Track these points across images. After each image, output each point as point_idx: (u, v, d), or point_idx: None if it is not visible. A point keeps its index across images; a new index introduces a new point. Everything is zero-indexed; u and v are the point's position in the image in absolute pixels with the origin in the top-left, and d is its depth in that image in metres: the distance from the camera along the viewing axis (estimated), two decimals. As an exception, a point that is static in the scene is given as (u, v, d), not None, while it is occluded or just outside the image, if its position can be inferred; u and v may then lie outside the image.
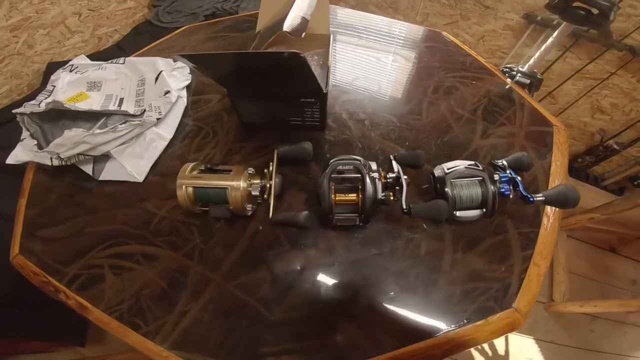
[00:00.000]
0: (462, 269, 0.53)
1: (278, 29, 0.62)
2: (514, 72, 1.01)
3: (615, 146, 1.54)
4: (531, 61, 1.02)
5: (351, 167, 0.52)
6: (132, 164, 0.65)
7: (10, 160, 0.64)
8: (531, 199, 0.51)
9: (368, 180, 0.50)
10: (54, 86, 0.74)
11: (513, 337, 1.42)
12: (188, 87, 0.81)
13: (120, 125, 0.64)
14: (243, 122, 0.71)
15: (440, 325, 0.48)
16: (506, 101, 0.78)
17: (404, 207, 0.51)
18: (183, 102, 0.76)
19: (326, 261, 0.53)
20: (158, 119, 0.69)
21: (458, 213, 0.53)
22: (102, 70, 0.81)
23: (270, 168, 0.58)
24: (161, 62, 0.80)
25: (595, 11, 0.76)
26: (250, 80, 0.58)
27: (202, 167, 0.56)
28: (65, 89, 0.75)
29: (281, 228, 0.56)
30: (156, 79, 0.77)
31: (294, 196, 0.61)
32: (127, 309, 0.50)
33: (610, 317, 1.48)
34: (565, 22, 0.85)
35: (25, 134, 0.65)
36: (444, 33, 1.01)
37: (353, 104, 0.76)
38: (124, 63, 0.83)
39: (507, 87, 0.82)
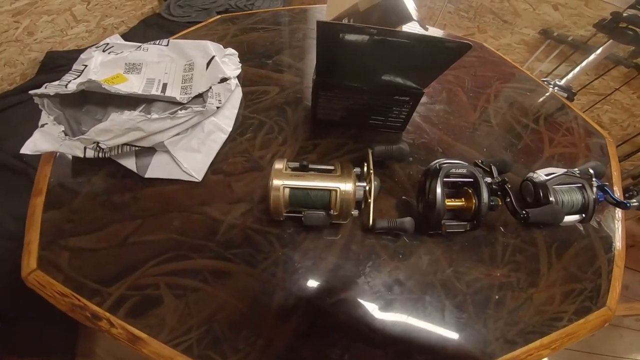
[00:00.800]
0: (559, 272, 0.55)
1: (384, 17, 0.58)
2: (551, 86, 1.06)
3: (611, 159, 1.67)
4: (570, 76, 1.08)
5: (464, 171, 0.53)
6: (189, 159, 0.56)
7: (27, 150, 0.51)
8: (627, 205, 0.54)
9: (484, 184, 0.51)
10: (85, 65, 0.63)
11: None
12: (238, 77, 0.71)
13: (180, 112, 0.54)
14: (316, 118, 0.66)
15: (547, 327, 0.49)
16: (561, 113, 0.82)
17: (521, 212, 0.52)
18: (239, 91, 0.70)
19: (429, 271, 0.51)
20: (218, 107, 0.61)
21: (558, 218, 0.55)
22: (143, 51, 0.71)
23: (365, 169, 0.54)
24: (212, 46, 0.71)
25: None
26: (363, 68, 0.53)
27: (297, 165, 0.50)
28: (98, 69, 0.65)
29: (375, 237, 0.53)
30: (207, 64, 0.68)
31: (384, 201, 0.58)
32: (197, 339, 0.40)
33: None
34: (611, 41, 0.91)
35: (46, 119, 0.53)
36: (485, 44, 1.04)
37: (424, 107, 0.76)
38: (167, 45, 0.73)
39: (556, 99, 0.87)
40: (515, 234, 0.58)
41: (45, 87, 0.53)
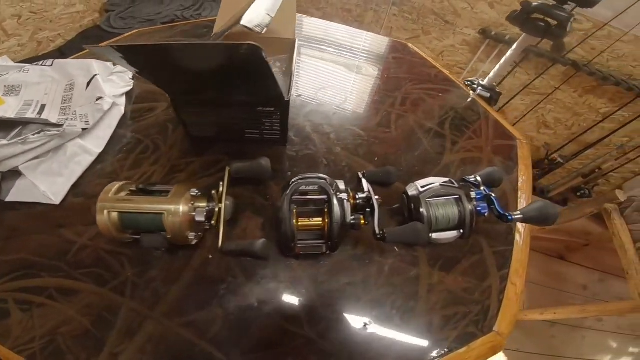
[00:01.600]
0: (440, 293, 0.48)
1: (234, 25, 0.55)
2: (475, 86, 1.02)
3: (559, 159, 1.64)
4: (491, 74, 1.04)
5: (316, 187, 0.46)
6: (48, 182, 0.55)
7: None
8: (509, 217, 0.48)
9: (335, 202, 0.44)
10: None
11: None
12: (129, 94, 0.71)
13: (32, 136, 0.54)
14: (192, 136, 0.63)
15: (422, 356, 0.43)
16: (472, 114, 0.77)
17: (377, 232, 0.45)
18: (120, 110, 0.67)
19: (290, 294, 0.46)
20: (84, 129, 0.60)
21: (434, 235, 0.48)
22: (24, 72, 0.71)
23: (220, 189, 0.49)
24: (97, 65, 0.70)
25: (553, 23, 0.78)
26: (198, 83, 0.50)
27: (133, 188, 0.47)
28: None
29: (235, 258, 0.49)
30: (88, 83, 0.67)
31: (250, 220, 0.53)
32: (40, 348, 0.41)
33: (567, 322, 1.54)
34: (524, 34, 0.86)
35: None
36: (410, 45, 1.00)
37: (318, 115, 0.70)
38: (51, 65, 0.72)
39: (471, 100, 0.82)
40: (394, 253, 0.51)
41: None
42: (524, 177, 0.67)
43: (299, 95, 0.75)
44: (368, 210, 0.48)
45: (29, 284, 0.46)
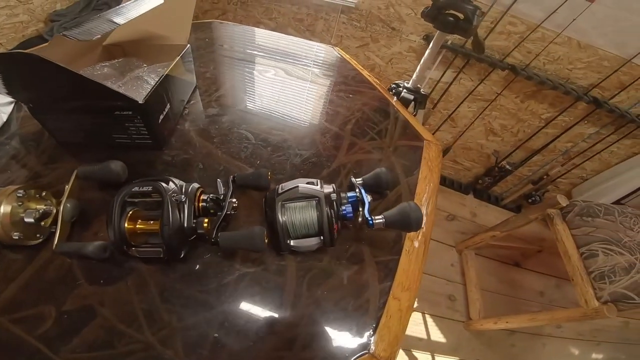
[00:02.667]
0: (307, 307, 0.43)
1: None
2: (400, 89, 1.00)
3: (508, 167, 1.64)
4: (414, 76, 1.01)
5: (150, 188, 0.41)
6: None
7: None
8: (370, 222, 0.44)
9: (169, 203, 0.39)
10: None
11: (439, 358, 1.38)
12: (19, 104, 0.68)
13: None
14: (61, 142, 0.59)
15: None
16: (380, 115, 0.74)
17: (213, 236, 0.40)
18: (1, 118, 0.63)
19: (132, 299, 0.42)
20: None
21: (293, 242, 0.44)
22: None
23: (65, 191, 0.46)
24: None
25: (462, 17, 0.76)
26: (39, 92, 0.48)
27: None
28: None
29: (80, 260, 0.45)
30: None
31: (104, 224, 0.47)
32: None
33: (526, 330, 1.51)
34: (438, 31, 0.84)
35: None
36: (336, 48, 0.97)
37: (209, 120, 0.66)
38: None
39: (386, 101, 0.79)
40: (258, 261, 0.46)
41: None
42: (425, 180, 0.63)
43: (196, 102, 0.71)
44: (220, 214, 0.43)
45: None
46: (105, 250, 0.43)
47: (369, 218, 0.44)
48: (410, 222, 0.42)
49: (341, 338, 0.41)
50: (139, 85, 0.61)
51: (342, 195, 0.46)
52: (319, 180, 0.47)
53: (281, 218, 0.43)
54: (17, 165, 0.56)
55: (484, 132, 1.68)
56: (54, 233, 0.46)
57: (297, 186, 0.45)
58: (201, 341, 0.40)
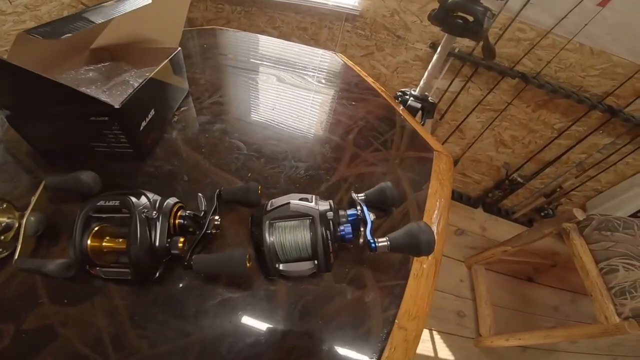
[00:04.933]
0: (299, 339, 0.37)
1: None
2: (407, 97, 0.94)
3: (519, 179, 1.56)
4: (421, 83, 0.96)
5: (117, 203, 0.36)
6: None
7: None
8: (373, 245, 0.38)
9: (138, 220, 0.34)
10: None
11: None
12: None
13: None
14: (35, 150, 0.54)
15: None
16: (386, 124, 0.69)
17: (186, 258, 0.35)
18: None
19: (98, 321, 0.37)
20: None
21: (282, 266, 0.38)
22: None
23: (31, 203, 0.42)
24: None
25: (471, 19, 0.71)
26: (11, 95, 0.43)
27: None
28: None
29: (43, 277, 0.41)
30: None
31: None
32: None
33: (540, 346, 1.44)
34: (446, 35, 0.80)
35: None
36: (338, 54, 0.93)
37: (199, 129, 0.61)
38: None
39: (391, 109, 0.73)
40: (245, 285, 0.40)
41: None
42: (436, 195, 0.57)
43: (188, 109, 0.66)
44: (198, 232, 0.38)
45: None
46: (69, 269, 0.37)
47: (372, 240, 0.38)
48: (420, 246, 0.36)
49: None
50: (123, 90, 0.57)
51: (341, 213, 0.40)
52: (314, 197, 0.41)
53: (269, 239, 0.37)
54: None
55: (493, 144, 1.61)
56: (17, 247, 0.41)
57: (289, 203, 0.39)
58: None
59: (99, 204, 0.36)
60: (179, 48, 0.62)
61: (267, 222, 0.38)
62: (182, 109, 0.65)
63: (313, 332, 0.38)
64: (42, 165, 0.54)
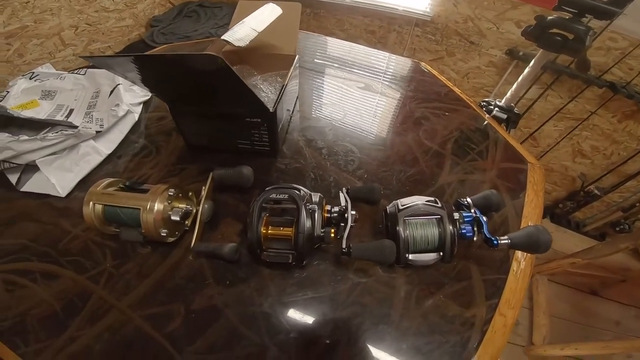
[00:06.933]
0: (415, 320, 0.44)
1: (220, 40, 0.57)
2: (492, 107, 0.97)
3: (596, 191, 1.50)
4: (508, 94, 0.98)
5: (286, 196, 0.45)
6: (59, 176, 0.59)
7: None
8: (495, 242, 0.44)
9: (304, 212, 0.43)
10: (8, 92, 0.73)
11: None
12: (147, 103, 0.77)
13: (50, 134, 0.60)
14: (189, 144, 0.66)
15: None
16: (479, 135, 0.73)
17: (344, 246, 0.43)
18: (133, 117, 0.72)
19: (254, 301, 0.46)
20: (98, 132, 0.65)
21: (411, 256, 0.45)
22: (60, 79, 0.79)
23: (203, 192, 0.51)
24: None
25: (570, 37, 0.73)
26: (182, 92, 0.52)
27: (121, 185, 0.50)
28: (18, 95, 0.74)
29: (208, 260, 0.49)
30: (111, 91, 0.73)
31: (229, 226, 0.53)
32: (8, 326, 0.44)
33: (593, 357, 1.39)
34: (541, 50, 0.82)
35: None
36: (422, 63, 0.98)
37: (313, 131, 0.70)
38: (84, 74, 0.79)
39: (482, 120, 0.78)
40: (370, 272, 0.48)
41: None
42: (532, 204, 0.61)
43: (299, 111, 0.76)
44: (342, 224, 0.46)
45: (18, 267, 0.50)
46: (236, 253, 0.46)
47: (493, 238, 0.44)
48: (539, 245, 0.42)
49: (444, 350, 0.42)
50: (256, 93, 0.65)
51: (464, 214, 0.47)
52: (437, 199, 0.48)
53: (403, 233, 0.45)
54: (150, 164, 0.64)
55: (570, 153, 1.56)
56: (187, 232, 0.51)
57: (418, 203, 0.47)
58: (313, 346, 0.42)
59: (271, 196, 0.46)
60: (297, 55, 0.70)
61: (402, 218, 0.45)
62: (295, 111, 0.75)
63: (427, 314, 0.45)
64: (189, 158, 0.64)
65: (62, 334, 0.43)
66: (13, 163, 0.58)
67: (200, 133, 0.62)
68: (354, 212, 0.48)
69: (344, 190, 0.53)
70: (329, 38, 1.09)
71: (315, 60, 0.97)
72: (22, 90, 0.75)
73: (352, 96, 0.83)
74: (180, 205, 0.49)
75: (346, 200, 0.50)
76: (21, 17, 1.31)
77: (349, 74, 0.91)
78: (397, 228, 0.45)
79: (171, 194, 0.48)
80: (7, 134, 0.58)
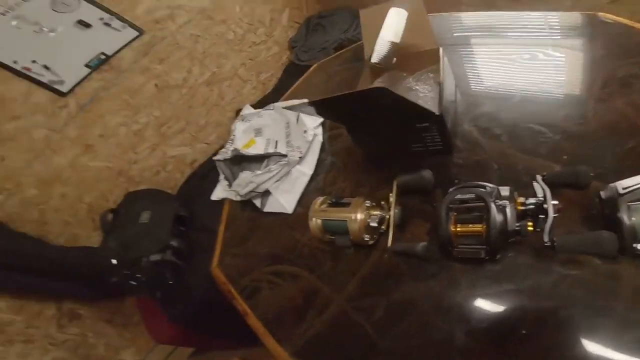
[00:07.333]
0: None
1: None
2: None
3: None
4: None
5: (473, 196, 0.46)
6: (284, 197, 0.76)
7: (213, 197, 0.87)
8: None
9: (494, 208, 0.43)
10: (234, 135, 0.93)
11: None
12: (324, 124, 0.87)
13: (273, 166, 0.77)
14: (367, 156, 0.74)
15: None
16: None
17: (546, 240, 0.40)
18: (319, 139, 0.84)
19: (445, 294, 0.49)
20: (300, 157, 0.78)
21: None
22: (260, 117, 0.95)
23: (390, 199, 0.57)
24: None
25: None
26: (358, 116, 0.60)
27: (329, 201, 0.62)
28: (241, 136, 0.93)
29: (403, 258, 0.55)
30: (297, 119, 0.86)
31: (417, 227, 0.58)
32: (271, 318, 0.59)
33: None
34: None
35: (221, 176, 0.86)
36: (600, 14, 0.75)
37: (485, 117, 0.66)
38: (273, 109, 0.94)
39: None
40: (584, 263, 0.43)
41: (219, 154, 0.86)
42: None
43: (462, 100, 0.72)
44: (541, 216, 0.43)
45: (275, 270, 0.66)
46: (427, 250, 0.51)
47: None
48: None
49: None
50: (414, 96, 0.62)
51: None
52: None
53: (628, 220, 0.38)
54: (342, 177, 0.75)
55: None
56: (382, 235, 0.58)
57: (644, 184, 0.39)
58: (509, 335, 0.42)
59: (456, 197, 0.47)
60: (440, 48, 0.67)
61: (625, 204, 0.39)
62: (458, 99, 0.72)
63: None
64: (371, 168, 0.72)
65: (302, 322, 0.55)
66: (256, 192, 0.77)
67: (377, 144, 0.70)
68: (555, 202, 0.44)
69: (539, 178, 0.49)
70: (462, 14, 0.97)
71: (459, 41, 0.88)
72: (242, 132, 0.93)
73: (519, 70, 0.73)
74: (376, 213, 0.57)
75: (543, 190, 0.46)
76: (207, 64, 1.59)
77: (505, 47, 0.81)
78: (619, 215, 0.39)
79: (368, 205, 0.57)
80: (249, 172, 0.78)
